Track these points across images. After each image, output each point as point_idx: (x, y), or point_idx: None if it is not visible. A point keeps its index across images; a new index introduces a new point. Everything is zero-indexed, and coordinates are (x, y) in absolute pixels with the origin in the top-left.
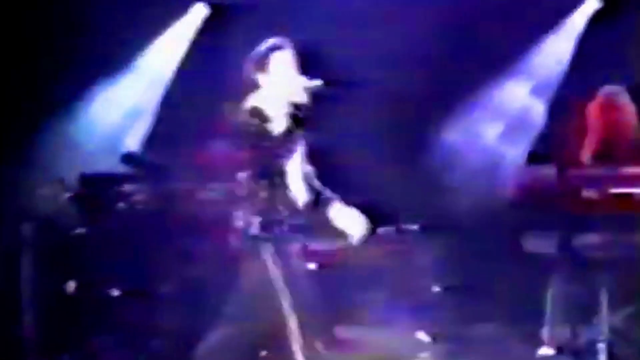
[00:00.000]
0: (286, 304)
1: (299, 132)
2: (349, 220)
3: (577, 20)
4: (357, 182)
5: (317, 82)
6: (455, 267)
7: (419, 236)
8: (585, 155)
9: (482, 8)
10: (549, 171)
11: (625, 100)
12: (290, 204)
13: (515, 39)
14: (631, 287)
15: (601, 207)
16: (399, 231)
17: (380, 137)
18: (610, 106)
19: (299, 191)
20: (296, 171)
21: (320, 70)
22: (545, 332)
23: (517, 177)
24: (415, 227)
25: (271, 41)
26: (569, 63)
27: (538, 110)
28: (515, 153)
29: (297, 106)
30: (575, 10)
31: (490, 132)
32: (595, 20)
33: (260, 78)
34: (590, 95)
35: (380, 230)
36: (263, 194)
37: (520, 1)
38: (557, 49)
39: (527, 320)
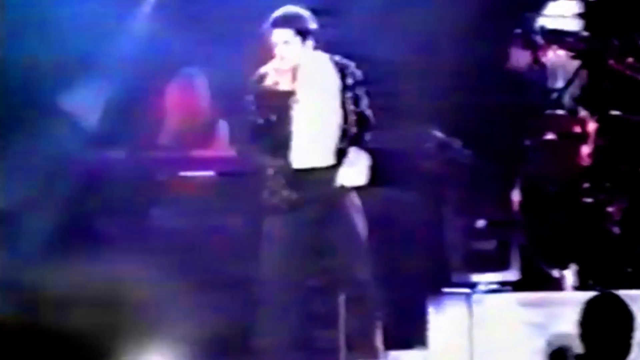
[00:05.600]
0: None
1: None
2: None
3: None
4: None
5: None
6: None
7: None
8: (163, 138)
9: None
10: (119, 155)
11: (201, 82)
12: None
13: None
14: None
15: (174, 189)
16: None
17: None
18: (186, 88)
19: None
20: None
21: None
22: None
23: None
24: None
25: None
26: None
27: None
28: None
29: None
30: None
31: None
32: None
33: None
34: (165, 77)
35: None
36: None
37: None
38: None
39: None
